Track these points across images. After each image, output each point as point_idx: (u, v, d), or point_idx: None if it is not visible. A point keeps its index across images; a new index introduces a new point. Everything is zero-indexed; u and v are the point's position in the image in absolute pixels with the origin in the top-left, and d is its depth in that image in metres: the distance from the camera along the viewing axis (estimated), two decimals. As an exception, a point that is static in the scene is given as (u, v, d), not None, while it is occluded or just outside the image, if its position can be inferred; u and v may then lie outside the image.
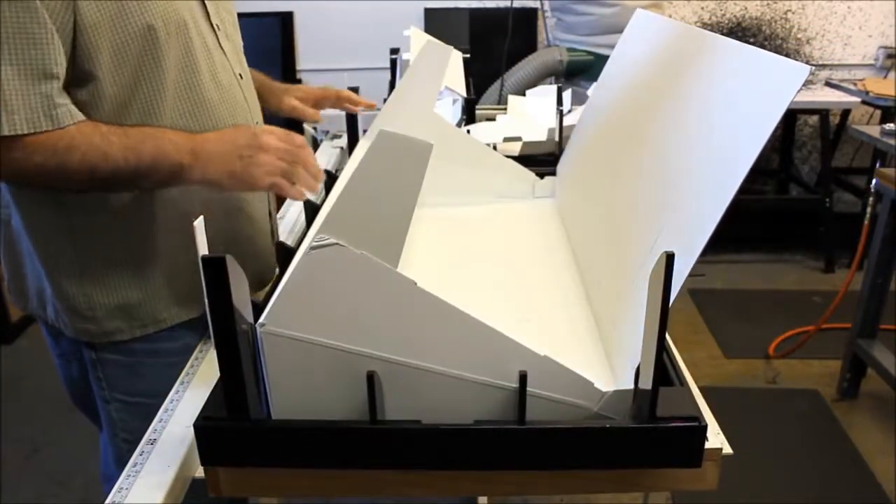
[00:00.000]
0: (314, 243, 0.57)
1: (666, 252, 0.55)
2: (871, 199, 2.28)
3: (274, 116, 1.24)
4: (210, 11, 0.98)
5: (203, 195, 0.94)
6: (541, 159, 1.41)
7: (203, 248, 0.61)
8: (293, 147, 0.89)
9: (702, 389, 0.77)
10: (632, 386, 0.64)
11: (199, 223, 0.60)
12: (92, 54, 0.83)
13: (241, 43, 1.09)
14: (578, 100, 1.75)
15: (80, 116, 0.83)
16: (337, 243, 0.56)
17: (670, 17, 2.99)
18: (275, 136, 0.89)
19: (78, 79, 0.84)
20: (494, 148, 1.39)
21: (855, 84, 3.27)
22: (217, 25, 0.99)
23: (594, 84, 1.35)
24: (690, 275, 0.64)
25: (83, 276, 0.93)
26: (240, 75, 1.03)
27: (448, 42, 1.74)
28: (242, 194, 1.02)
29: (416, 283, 0.58)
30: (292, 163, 0.88)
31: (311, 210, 1.15)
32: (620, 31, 1.23)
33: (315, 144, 1.91)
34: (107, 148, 0.82)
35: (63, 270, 0.93)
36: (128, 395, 1.00)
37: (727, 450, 0.69)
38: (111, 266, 0.94)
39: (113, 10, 0.83)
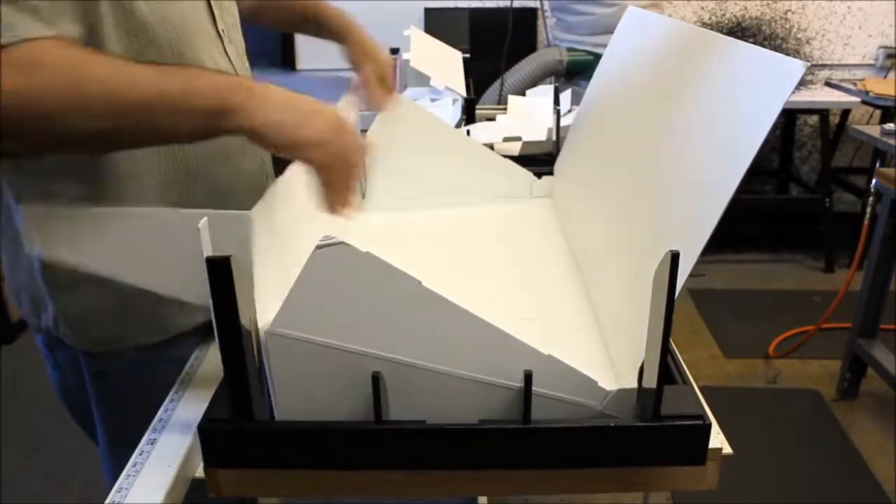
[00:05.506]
0: (319, 243, 0.57)
1: (671, 251, 0.55)
2: (871, 198, 2.29)
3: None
4: (216, 17, 0.96)
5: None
6: (541, 159, 1.41)
7: (208, 250, 0.60)
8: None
9: (702, 389, 0.77)
10: (634, 385, 0.64)
11: (203, 225, 0.60)
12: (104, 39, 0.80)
13: (243, 45, 1.08)
14: (578, 100, 1.74)
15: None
16: (342, 242, 0.56)
17: (670, 17, 3.00)
18: None
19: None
20: (492, 148, 1.39)
21: (855, 84, 3.27)
22: (222, 30, 0.98)
23: (592, 83, 1.35)
24: (690, 275, 0.64)
25: (82, 280, 0.89)
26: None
27: (448, 42, 1.74)
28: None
29: (421, 283, 0.58)
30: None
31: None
32: (621, 31, 1.23)
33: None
34: (132, 70, 0.71)
35: (62, 275, 0.90)
36: (129, 403, 0.96)
37: (727, 450, 0.69)
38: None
39: None
